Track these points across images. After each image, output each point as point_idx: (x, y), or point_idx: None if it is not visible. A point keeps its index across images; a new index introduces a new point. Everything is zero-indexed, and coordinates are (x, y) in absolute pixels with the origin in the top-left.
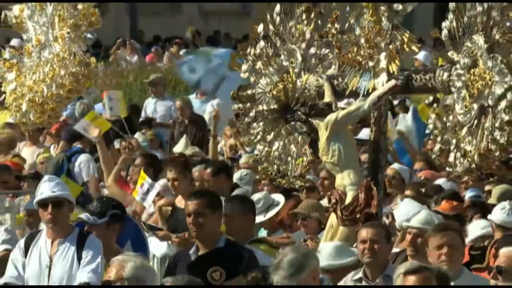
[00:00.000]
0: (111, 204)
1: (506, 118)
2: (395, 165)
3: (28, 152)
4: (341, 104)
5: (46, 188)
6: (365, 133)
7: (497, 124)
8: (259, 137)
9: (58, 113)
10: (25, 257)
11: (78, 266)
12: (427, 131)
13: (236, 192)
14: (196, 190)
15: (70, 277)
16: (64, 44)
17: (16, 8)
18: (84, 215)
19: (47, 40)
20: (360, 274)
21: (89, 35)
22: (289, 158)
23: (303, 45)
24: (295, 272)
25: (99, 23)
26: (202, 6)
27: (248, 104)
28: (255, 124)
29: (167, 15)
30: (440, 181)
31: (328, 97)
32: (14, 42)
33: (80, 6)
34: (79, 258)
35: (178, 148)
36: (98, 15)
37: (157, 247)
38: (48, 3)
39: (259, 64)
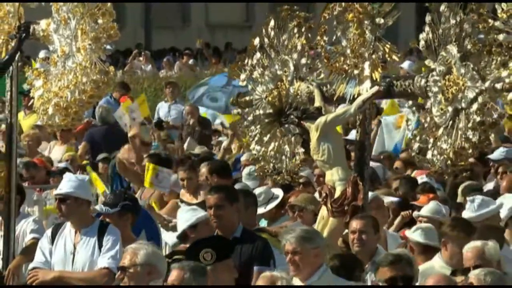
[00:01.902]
0: (123, 197)
1: (478, 119)
2: (370, 164)
3: (58, 150)
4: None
5: (60, 186)
6: (353, 134)
7: (469, 125)
8: (256, 138)
9: (80, 116)
10: (52, 244)
11: (99, 253)
12: (407, 132)
13: (236, 186)
14: (215, 185)
15: (92, 263)
16: (86, 54)
17: (43, 23)
18: (98, 206)
19: (70, 51)
20: None
21: (108, 47)
22: (284, 157)
23: (295, 56)
24: (304, 238)
25: (117, 36)
26: (209, 20)
27: (247, 109)
28: (253, 127)
29: (177, 29)
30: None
31: (318, 102)
32: (41, 53)
33: (100, 20)
34: (100, 246)
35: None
36: (117, 28)
37: (169, 236)
38: (72, 19)
39: (256, 73)
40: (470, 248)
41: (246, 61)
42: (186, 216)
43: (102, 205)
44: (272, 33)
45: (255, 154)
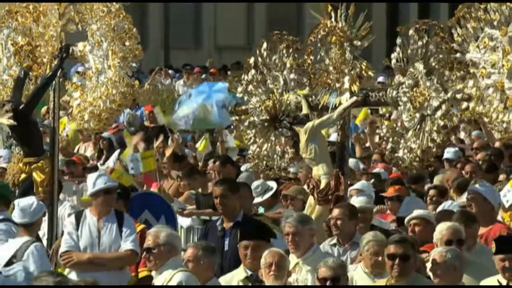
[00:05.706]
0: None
1: (441, 123)
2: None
3: (91, 150)
4: None
5: (100, 181)
6: (333, 137)
7: (434, 128)
8: (251, 140)
9: (111, 122)
10: (77, 230)
11: (120, 237)
12: (382, 134)
13: (240, 176)
14: (220, 179)
15: (115, 244)
16: (115, 71)
17: (80, 45)
18: None
19: (103, 68)
20: (334, 241)
21: (133, 64)
22: (275, 156)
23: (285, 72)
24: (302, 221)
25: (141, 55)
26: (217, 43)
27: (243, 116)
28: (248, 131)
29: (191, 49)
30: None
31: (305, 110)
32: (78, 68)
33: (127, 43)
34: (121, 231)
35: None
36: (141, 49)
37: (184, 220)
38: (104, 41)
39: (250, 87)
40: (448, 227)
41: (242, 76)
42: None
43: None
44: (265, 53)
45: (250, 153)
